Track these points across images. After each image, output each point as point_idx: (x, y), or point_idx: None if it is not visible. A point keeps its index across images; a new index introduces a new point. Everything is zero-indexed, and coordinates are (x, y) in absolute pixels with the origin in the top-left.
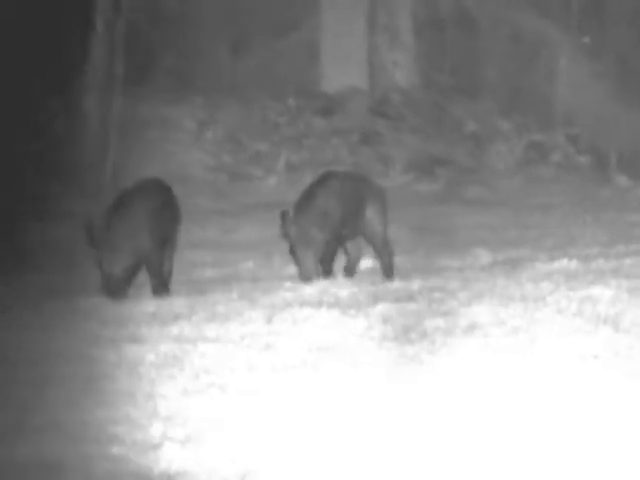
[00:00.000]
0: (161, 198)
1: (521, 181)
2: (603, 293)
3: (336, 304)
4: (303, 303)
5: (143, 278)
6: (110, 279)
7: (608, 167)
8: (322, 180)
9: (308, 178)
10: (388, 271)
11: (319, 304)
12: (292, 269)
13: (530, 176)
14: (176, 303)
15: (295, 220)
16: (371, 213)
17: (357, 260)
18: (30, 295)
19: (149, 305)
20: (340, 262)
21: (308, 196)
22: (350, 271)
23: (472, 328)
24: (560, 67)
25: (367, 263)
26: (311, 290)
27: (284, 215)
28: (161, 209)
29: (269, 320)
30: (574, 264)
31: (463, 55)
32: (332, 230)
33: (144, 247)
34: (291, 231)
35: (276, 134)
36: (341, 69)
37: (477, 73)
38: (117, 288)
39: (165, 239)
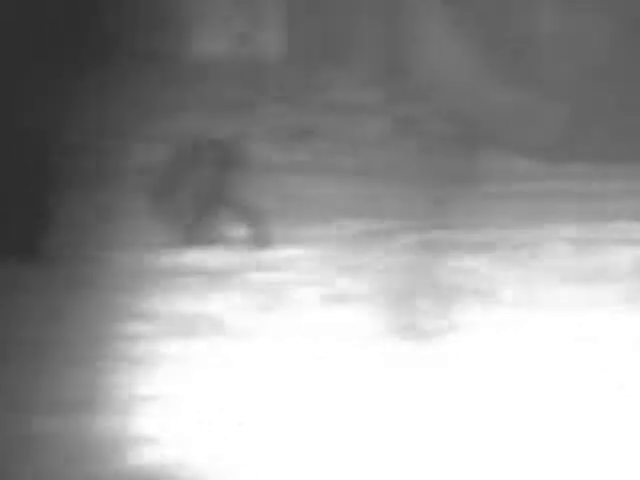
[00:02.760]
0: None
1: (393, 152)
2: None
3: (207, 272)
4: (177, 273)
5: None
6: None
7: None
8: None
9: None
10: (260, 239)
11: (191, 273)
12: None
13: (402, 148)
14: None
15: None
16: None
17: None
18: None
19: None
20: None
21: None
22: (219, 239)
23: None
24: (427, 35)
25: (239, 231)
26: (186, 259)
27: None
28: None
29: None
30: None
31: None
32: None
33: None
34: None
35: None
36: None
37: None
38: None
39: None
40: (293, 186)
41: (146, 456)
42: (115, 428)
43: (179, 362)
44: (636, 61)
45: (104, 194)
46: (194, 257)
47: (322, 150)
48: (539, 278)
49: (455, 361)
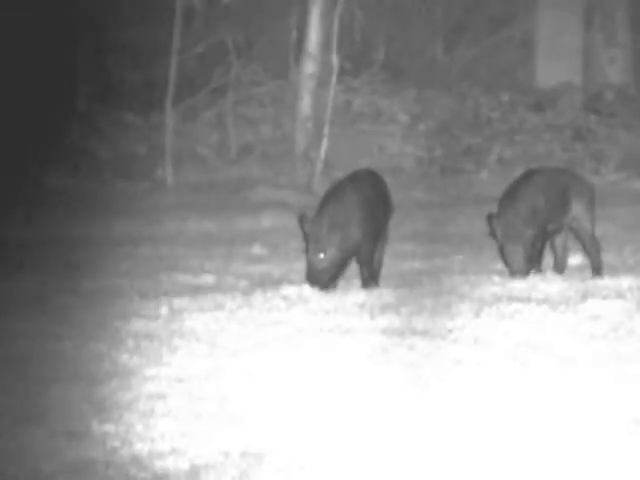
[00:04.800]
0: (374, 189)
1: None
2: None
3: (545, 300)
4: (512, 298)
5: (353, 269)
6: (314, 269)
7: None
8: (527, 177)
9: (519, 173)
10: (598, 268)
11: (528, 299)
12: (500, 263)
13: None
14: (385, 295)
15: (502, 217)
16: (578, 209)
17: (565, 256)
18: (240, 285)
19: (358, 296)
20: (548, 258)
21: (513, 193)
22: (560, 267)
23: None
24: None
25: (576, 259)
26: (520, 285)
27: (490, 216)
28: (373, 200)
29: (477, 314)
30: None
31: None
32: (539, 226)
33: (354, 238)
34: (498, 229)
35: (489, 128)
36: (556, 65)
37: None
38: (321, 279)
39: (377, 230)
40: (638, 215)
41: None
42: None
43: (500, 387)
44: None
45: None
46: (531, 284)
47: None
48: None
49: None
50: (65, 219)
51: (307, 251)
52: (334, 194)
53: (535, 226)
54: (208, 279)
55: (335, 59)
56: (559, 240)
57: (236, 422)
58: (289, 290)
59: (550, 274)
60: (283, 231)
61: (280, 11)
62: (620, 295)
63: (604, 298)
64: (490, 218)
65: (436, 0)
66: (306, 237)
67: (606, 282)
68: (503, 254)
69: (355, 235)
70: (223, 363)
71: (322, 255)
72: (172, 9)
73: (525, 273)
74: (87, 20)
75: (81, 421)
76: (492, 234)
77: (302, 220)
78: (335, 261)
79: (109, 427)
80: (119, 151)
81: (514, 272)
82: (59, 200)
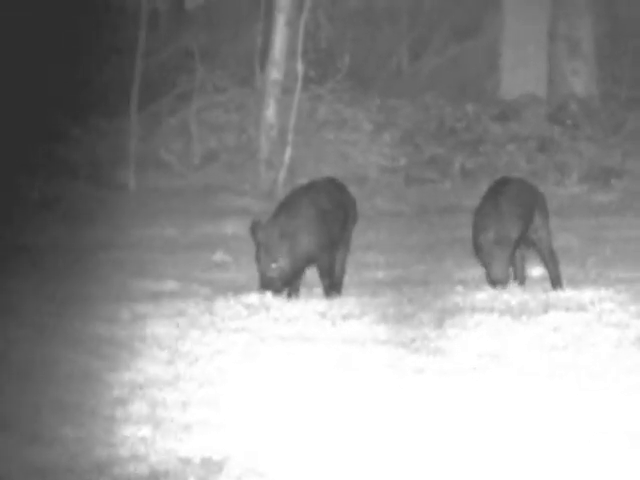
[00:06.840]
0: (332, 199)
1: None
2: None
3: (507, 311)
4: (474, 309)
5: (315, 277)
6: (266, 278)
7: None
8: (501, 187)
9: (483, 184)
10: (557, 279)
11: (490, 310)
12: (463, 273)
13: None
14: (347, 304)
15: (488, 222)
16: (539, 221)
17: (524, 267)
18: (202, 292)
19: (320, 304)
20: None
21: (494, 202)
22: (520, 278)
23: None
24: None
25: (537, 271)
26: (482, 296)
27: (476, 221)
28: (329, 210)
29: (439, 324)
30: None
31: None
32: (517, 235)
33: (306, 248)
34: (483, 234)
35: (453, 138)
36: (520, 76)
37: None
38: (274, 287)
39: (337, 240)
40: (600, 227)
41: None
42: None
43: (460, 397)
44: None
45: None
46: (493, 295)
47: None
48: None
49: None
50: (25, 223)
51: (259, 259)
52: (288, 203)
53: (517, 234)
54: (170, 285)
55: (300, 67)
56: (519, 252)
57: (196, 429)
58: (251, 298)
59: (512, 285)
60: (246, 238)
61: (246, 18)
62: (581, 307)
63: (566, 310)
64: (476, 223)
65: (401, 10)
66: (258, 245)
67: (568, 294)
68: (486, 260)
69: (307, 245)
70: (184, 369)
71: (274, 264)
72: (137, 13)
73: (507, 280)
74: (53, 23)
75: (41, 426)
76: (475, 238)
77: (254, 228)
78: (287, 270)
79: (69, 432)
80: (82, 155)
81: (497, 277)
82: (19, 204)
